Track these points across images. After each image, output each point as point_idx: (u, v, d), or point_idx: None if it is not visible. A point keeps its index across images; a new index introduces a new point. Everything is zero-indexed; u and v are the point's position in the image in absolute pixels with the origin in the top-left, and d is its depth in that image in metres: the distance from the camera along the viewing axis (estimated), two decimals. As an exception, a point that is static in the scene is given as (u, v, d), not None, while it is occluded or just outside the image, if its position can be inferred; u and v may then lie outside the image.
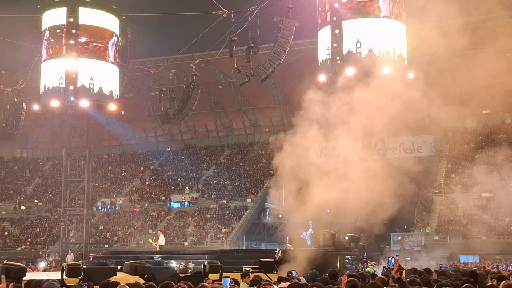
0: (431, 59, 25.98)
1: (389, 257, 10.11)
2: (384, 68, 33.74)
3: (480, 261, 35.07)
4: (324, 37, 35.44)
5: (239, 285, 9.72)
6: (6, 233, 51.26)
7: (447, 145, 46.23)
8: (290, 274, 11.23)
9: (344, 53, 32.79)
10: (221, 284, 10.22)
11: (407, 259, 32.09)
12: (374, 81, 32.62)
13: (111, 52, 38.72)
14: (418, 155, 43.33)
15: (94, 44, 38.30)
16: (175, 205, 50.05)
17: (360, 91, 31.40)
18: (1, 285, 6.17)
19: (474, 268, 19.29)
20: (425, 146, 44.47)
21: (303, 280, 10.62)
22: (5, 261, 16.71)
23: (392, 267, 10.04)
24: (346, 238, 21.72)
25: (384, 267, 10.22)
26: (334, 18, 32.49)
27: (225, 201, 48.68)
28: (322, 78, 33.61)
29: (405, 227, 40.03)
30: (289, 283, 8.86)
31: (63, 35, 36.86)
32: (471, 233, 38.51)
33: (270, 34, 25.03)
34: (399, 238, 40.28)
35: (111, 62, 39.01)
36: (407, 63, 34.88)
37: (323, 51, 35.67)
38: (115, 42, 39.10)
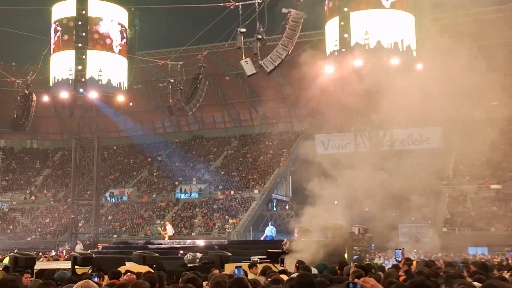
0: (440, 50, 25.92)
1: (396, 249, 10.16)
2: (393, 60, 33.71)
3: (489, 253, 35.06)
4: (332, 28, 35.40)
5: (247, 275, 9.82)
6: (11, 227, 51.72)
7: (455, 136, 46.07)
8: (297, 264, 11.29)
9: (352, 45, 32.75)
10: (227, 274, 10.36)
11: (414, 250, 32.14)
12: (383, 72, 32.70)
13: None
14: (426, 147, 43.25)
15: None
16: (183, 196, 50.26)
17: (369, 82, 31.43)
18: None
19: (483, 260, 19.34)
20: (433, 138, 44.32)
21: (313, 270, 10.69)
22: (15, 251, 16.94)
23: (400, 259, 10.11)
24: (354, 229, 21.79)
25: (395, 258, 10.26)
26: (345, 9, 32.47)
27: (232, 192, 48.83)
28: (329, 69, 33.60)
29: (413, 218, 39.99)
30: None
31: (72, 27, 37.03)
32: (480, 224, 38.48)
33: (278, 26, 25.00)
34: (407, 229, 40.27)
35: (120, 54, 39.20)
36: (416, 54, 34.80)
37: (331, 43, 35.64)
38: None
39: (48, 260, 22.35)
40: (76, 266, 12.36)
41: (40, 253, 26.41)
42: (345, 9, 32.64)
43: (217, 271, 10.89)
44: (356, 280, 7.51)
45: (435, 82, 28.32)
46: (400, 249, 10.10)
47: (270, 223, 31.45)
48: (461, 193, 42.04)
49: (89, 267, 12.43)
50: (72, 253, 14.95)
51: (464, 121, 42.53)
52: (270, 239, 29.01)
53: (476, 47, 30.73)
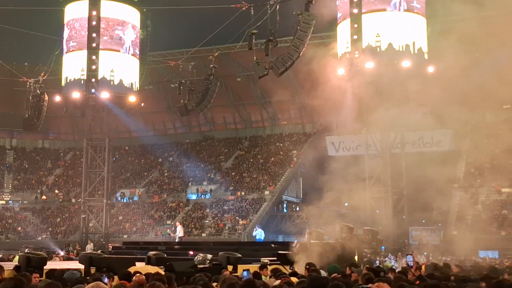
0: (451, 53, 25.80)
1: (407, 255, 10.13)
2: (404, 62, 33.59)
3: (499, 256, 34.81)
4: (343, 30, 35.34)
5: (260, 278, 9.81)
6: (19, 228, 52.01)
7: (467, 139, 45.86)
8: (307, 267, 11.25)
9: (364, 47, 32.67)
10: (238, 275, 10.36)
11: (424, 253, 31.99)
12: (394, 75, 32.61)
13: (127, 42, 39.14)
14: (437, 149, 43.04)
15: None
16: (193, 197, 50.35)
17: (380, 84, 31.34)
18: None
19: (493, 264, 19.24)
20: (444, 140, 44.13)
21: (323, 273, 10.67)
22: (26, 250, 17.06)
23: (412, 264, 10.10)
24: (364, 231, 21.72)
25: (407, 264, 10.23)
26: (355, 11, 32.40)
27: (243, 193, 48.86)
28: (341, 71, 33.55)
29: (423, 221, 39.82)
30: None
31: (85, 27, 37.25)
32: (491, 228, 38.21)
33: (289, 27, 24.99)
34: (418, 232, 40.08)
35: (132, 55, 39.39)
36: (427, 57, 34.66)
37: (342, 44, 35.58)
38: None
39: (60, 260, 22.49)
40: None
41: (53, 255, 26.48)
42: (355, 11, 32.58)
43: (228, 272, 10.91)
44: (370, 285, 7.50)
45: (447, 84, 28.19)
46: (411, 254, 10.08)
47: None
48: (472, 196, 41.78)
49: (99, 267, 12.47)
50: (82, 252, 15.05)
51: (475, 123, 42.40)
52: (260, 242, 29.34)
53: (489, 50, 30.53)
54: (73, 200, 53.29)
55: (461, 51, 24.81)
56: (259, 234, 30.22)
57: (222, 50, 45.17)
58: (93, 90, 36.16)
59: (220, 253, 14.83)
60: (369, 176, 34.92)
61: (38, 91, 32.99)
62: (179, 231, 29.06)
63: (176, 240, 28.25)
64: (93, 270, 12.18)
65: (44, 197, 55.43)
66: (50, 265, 13.35)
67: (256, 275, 9.68)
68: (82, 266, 12.65)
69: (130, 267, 11.21)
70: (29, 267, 11.30)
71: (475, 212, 40.30)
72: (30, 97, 33.30)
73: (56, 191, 56.33)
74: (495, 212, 39.83)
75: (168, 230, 33.51)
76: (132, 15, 39.85)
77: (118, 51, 38.83)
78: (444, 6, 31.24)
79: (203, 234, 44.47)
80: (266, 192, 48.10)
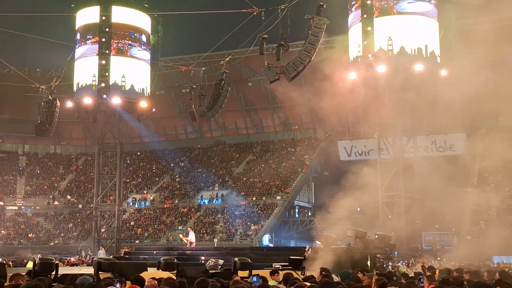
0: (464, 56, 25.63)
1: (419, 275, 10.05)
2: (416, 66, 33.40)
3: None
4: (355, 34, 35.23)
5: (267, 282, 9.74)
6: (31, 234, 52.20)
7: (480, 143, 45.51)
8: (322, 272, 11.13)
9: (375, 50, 32.53)
10: (247, 280, 10.29)
11: (438, 258, 31.72)
12: (407, 78, 32.40)
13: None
14: (450, 154, 42.72)
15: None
16: (205, 202, 50.33)
17: (392, 88, 31.15)
18: None
19: (507, 269, 18.98)
20: (458, 145, 43.80)
21: (336, 278, 10.56)
22: (39, 256, 17.05)
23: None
24: (377, 236, 21.57)
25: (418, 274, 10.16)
26: (365, 16, 32.29)
27: (254, 198, 48.75)
28: (352, 75, 33.41)
29: (437, 226, 39.49)
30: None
31: (96, 33, 37.41)
32: (505, 233, 37.79)
33: (301, 32, 24.91)
34: (431, 237, 39.75)
35: (143, 60, 39.52)
36: (440, 60, 34.44)
37: (354, 49, 35.45)
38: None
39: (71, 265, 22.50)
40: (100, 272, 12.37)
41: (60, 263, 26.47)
42: (365, 15, 32.45)
43: (238, 278, 10.83)
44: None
45: (460, 88, 27.98)
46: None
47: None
48: (485, 201, 41.35)
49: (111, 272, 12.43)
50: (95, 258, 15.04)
51: (489, 127, 41.98)
52: (265, 247, 29.39)
53: (502, 53, 30.32)
54: (81, 206, 53.53)
55: (474, 54, 24.62)
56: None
57: (233, 55, 45.07)
58: (104, 96, 36.28)
59: (235, 258, 14.75)
60: (381, 181, 34.69)
61: (50, 97, 33.09)
62: (191, 237, 29.02)
63: (188, 246, 28.21)
64: (105, 275, 12.14)
65: (56, 202, 55.67)
66: (63, 270, 13.36)
67: (263, 280, 9.61)
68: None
69: (143, 272, 11.17)
70: (36, 272, 11.29)
71: (489, 217, 39.93)
72: (42, 103, 33.41)
73: (68, 196, 56.55)
74: (509, 216, 39.41)
75: (180, 235, 33.44)
76: (143, 21, 39.99)
77: (129, 56, 38.97)
78: (456, 9, 31.03)
79: (214, 239, 44.39)
80: (278, 197, 47.97)
